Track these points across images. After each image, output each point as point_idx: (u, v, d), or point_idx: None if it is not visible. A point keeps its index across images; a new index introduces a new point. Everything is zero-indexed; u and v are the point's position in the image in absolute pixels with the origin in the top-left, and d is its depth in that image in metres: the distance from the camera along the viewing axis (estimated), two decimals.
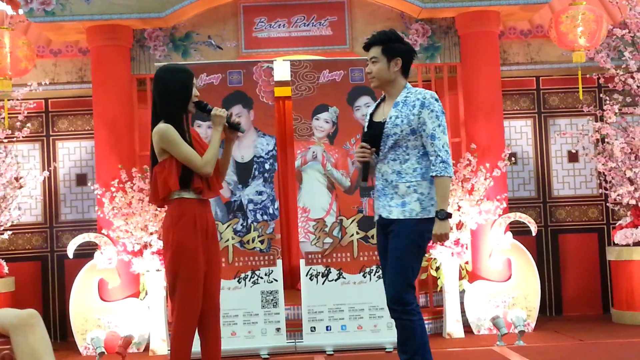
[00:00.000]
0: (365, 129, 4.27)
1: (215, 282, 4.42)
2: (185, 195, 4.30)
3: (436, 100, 4.12)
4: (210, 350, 4.40)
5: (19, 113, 7.44)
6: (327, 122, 6.61)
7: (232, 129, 4.40)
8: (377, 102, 4.37)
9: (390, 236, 4.11)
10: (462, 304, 7.04)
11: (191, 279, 4.29)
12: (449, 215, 4.06)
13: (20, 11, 7.25)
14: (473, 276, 7.16)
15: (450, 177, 4.08)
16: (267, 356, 6.32)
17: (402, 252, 4.07)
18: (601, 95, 7.97)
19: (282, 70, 6.86)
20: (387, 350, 6.30)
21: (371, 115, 4.30)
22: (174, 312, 4.30)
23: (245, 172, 6.53)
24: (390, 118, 4.10)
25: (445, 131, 4.09)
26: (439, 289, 7.05)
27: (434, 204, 4.09)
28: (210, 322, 4.41)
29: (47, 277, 8.09)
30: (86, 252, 7.13)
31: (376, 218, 4.25)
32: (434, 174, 4.05)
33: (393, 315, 4.11)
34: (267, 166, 6.56)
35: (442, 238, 4.07)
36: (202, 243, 4.36)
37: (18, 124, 7.46)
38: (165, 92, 4.32)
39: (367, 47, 4.25)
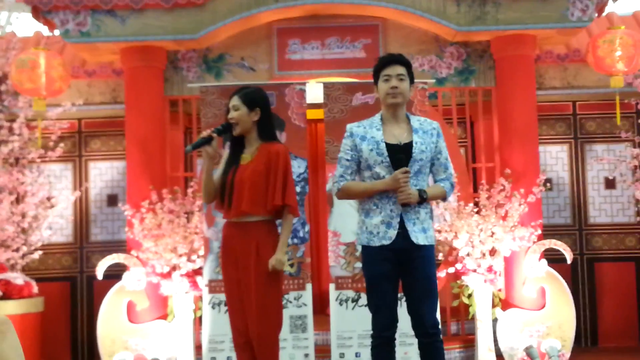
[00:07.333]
0: (379, 150, 4.12)
1: (250, 312, 4.36)
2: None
3: None
4: None
5: (52, 133, 7.49)
6: None
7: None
8: (369, 125, 4.24)
9: (416, 263, 4.12)
10: (494, 332, 6.90)
11: (227, 301, 4.50)
12: (424, 200, 4.10)
13: (56, 32, 7.30)
14: (506, 304, 7.01)
15: (445, 199, 4.31)
16: None
17: (433, 278, 4.22)
18: (639, 121, 7.81)
19: (314, 92, 6.82)
20: None
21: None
22: None
23: None
24: (416, 143, 4.13)
25: None
26: (470, 316, 6.91)
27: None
28: (257, 353, 4.36)
29: (75, 297, 8.11)
30: (115, 274, 7.10)
31: (386, 243, 4.12)
32: (442, 186, 4.21)
33: (429, 340, 4.16)
34: (298, 189, 6.48)
35: (405, 198, 4.04)
36: (233, 267, 4.35)
37: (51, 143, 7.51)
38: None
39: (393, 62, 4.22)
